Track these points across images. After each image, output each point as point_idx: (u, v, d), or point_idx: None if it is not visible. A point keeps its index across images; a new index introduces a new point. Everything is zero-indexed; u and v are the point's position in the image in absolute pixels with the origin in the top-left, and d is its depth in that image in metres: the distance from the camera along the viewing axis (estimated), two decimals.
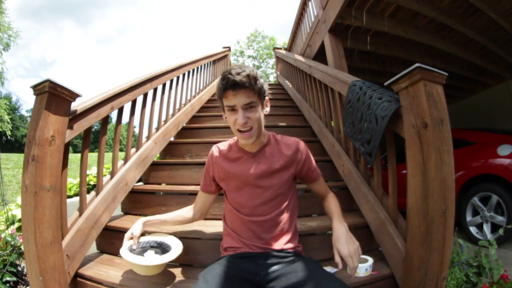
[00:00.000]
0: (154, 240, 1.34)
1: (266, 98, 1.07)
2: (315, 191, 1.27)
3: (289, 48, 5.36)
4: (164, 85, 2.53)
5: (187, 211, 1.32)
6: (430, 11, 2.71)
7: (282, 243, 1.08)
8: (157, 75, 2.28)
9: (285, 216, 1.11)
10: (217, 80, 1.08)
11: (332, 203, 1.20)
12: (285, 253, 1.06)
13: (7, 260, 1.67)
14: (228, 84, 0.96)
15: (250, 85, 0.97)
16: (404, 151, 1.14)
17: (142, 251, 1.27)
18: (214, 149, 1.20)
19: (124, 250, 1.20)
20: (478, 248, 1.62)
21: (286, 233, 1.10)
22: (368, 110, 1.42)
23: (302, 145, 1.16)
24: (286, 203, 1.12)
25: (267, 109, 1.09)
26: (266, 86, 1.05)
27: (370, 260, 1.30)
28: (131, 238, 1.24)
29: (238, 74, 0.96)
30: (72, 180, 2.81)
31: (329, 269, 1.29)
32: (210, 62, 4.31)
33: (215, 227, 1.53)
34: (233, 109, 1.00)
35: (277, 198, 1.10)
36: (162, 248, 1.31)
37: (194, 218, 1.32)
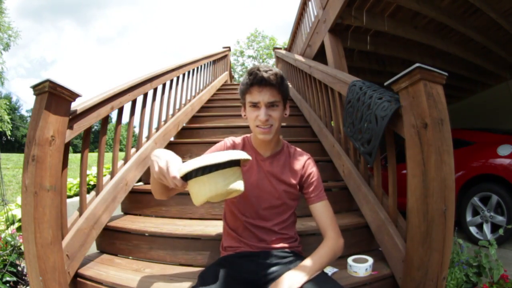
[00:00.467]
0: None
1: (287, 101, 1.07)
2: (314, 217, 1.07)
3: (289, 48, 5.36)
4: (164, 85, 2.53)
5: None
6: (430, 11, 2.71)
7: (282, 244, 1.08)
8: (157, 75, 2.28)
9: (286, 224, 1.11)
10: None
11: (320, 251, 0.96)
12: (284, 253, 1.06)
13: (7, 260, 1.67)
14: (256, 79, 0.96)
15: (277, 83, 0.97)
16: (404, 151, 1.14)
17: None
18: (228, 141, 1.13)
19: (181, 166, 0.77)
20: (478, 248, 1.62)
21: (286, 236, 1.10)
22: (368, 110, 1.42)
23: (308, 160, 1.13)
24: (289, 213, 1.12)
25: (287, 112, 1.07)
26: (289, 90, 1.04)
27: (370, 260, 1.30)
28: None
29: (266, 71, 0.96)
30: (72, 180, 2.81)
31: (328, 269, 1.29)
32: (210, 62, 4.31)
33: (215, 227, 1.53)
34: (256, 105, 0.99)
35: (282, 207, 1.10)
36: None
37: None
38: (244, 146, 1.12)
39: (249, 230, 1.08)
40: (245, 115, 1.05)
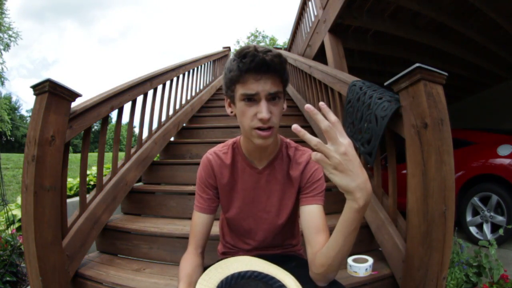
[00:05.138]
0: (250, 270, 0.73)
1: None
2: (305, 218, 0.80)
3: (289, 48, 5.36)
4: (164, 85, 2.53)
5: (193, 266, 0.83)
6: (430, 11, 2.72)
7: (286, 250, 1.05)
8: (157, 75, 2.28)
9: (291, 235, 1.03)
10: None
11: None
12: (286, 257, 1.05)
13: (7, 260, 1.67)
14: (254, 63, 0.68)
15: (281, 69, 0.71)
16: (404, 151, 1.14)
17: None
18: (213, 160, 0.88)
19: None
20: (478, 248, 1.62)
21: (291, 245, 1.05)
22: (368, 110, 1.42)
23: (309, 161, 0.87)
24: (295, 224, 1.02)
25: (285, 106, 0.79)
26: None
27: (370, 260, 1.30)
28: None
29: (266, 52, 0.68)
30: (72, 180, 2.82)
31: None
32: (210, 62, 4.32)
33: (215, 226, 1.53)
34: (252, 98, 0.71)
35: (287, 223, 0.94)
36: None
37: (202, 261, 0.88)
38: (234, 159, 0.87)
39: (250, 250, 0.99)
40: (232, 112, 0.79)
